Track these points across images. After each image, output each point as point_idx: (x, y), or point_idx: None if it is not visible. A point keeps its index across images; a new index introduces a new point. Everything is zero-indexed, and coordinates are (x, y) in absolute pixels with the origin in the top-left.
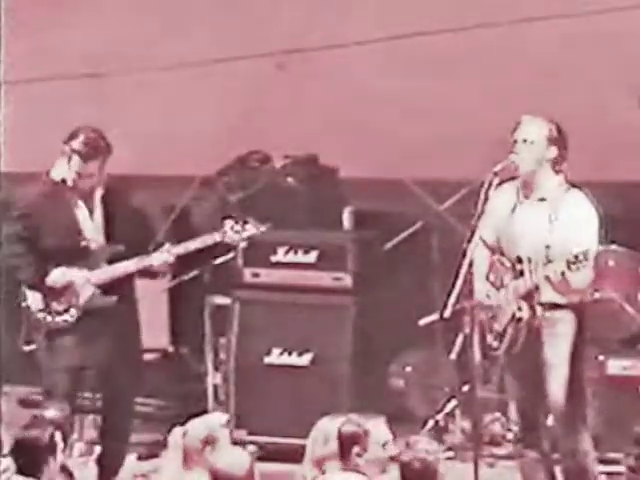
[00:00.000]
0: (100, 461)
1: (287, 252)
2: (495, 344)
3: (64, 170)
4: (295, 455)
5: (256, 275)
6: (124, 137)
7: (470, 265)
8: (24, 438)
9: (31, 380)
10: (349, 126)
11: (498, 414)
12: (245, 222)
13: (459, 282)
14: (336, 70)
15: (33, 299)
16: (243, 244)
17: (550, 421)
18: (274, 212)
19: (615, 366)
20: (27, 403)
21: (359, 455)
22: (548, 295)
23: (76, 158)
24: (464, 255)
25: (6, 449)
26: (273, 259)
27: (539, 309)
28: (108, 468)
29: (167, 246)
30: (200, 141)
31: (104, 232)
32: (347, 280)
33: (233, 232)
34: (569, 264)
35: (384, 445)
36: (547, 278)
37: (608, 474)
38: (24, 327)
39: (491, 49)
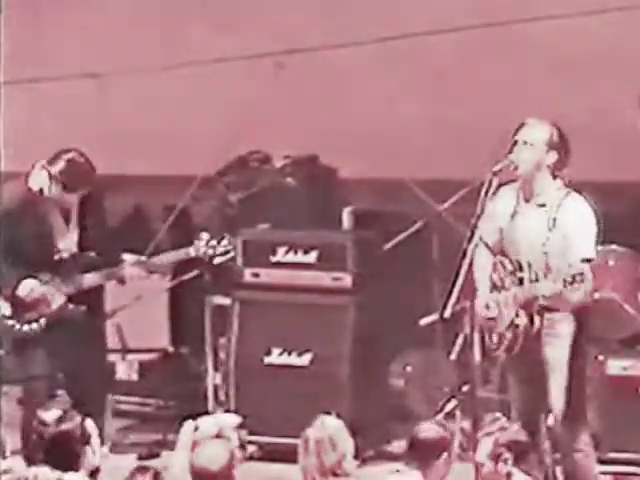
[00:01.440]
0: None
1: (287, 252)
2: (494, 346)
3: (43, 182)
4: (295, 455)
5: (256, 275)
6: (124, 137)
7: (470, 265)
8: (55, 434)
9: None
10: (349, 126)
11: (498, 414)
12: (222, 238)
13: (459, 282)
14: (336, 70)
15: (3, 305)
16: (217, 260)
17: (550, 421)
18: (274, 212)
19: (615, 366)
20: (28, 403)
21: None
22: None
23: (55, 186)
24: (464, 255)
25: (8, 450)
26: (273, 259)
27: (537, 319)
28: None
29: (141, 258)
30: (200, 141)
31: (77, 240)
32: (347, 280)
33: (207, 247)
34: (565, 284)
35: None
36: (544, 296)
37: (609, 474)
38: None
39: (492, 49)
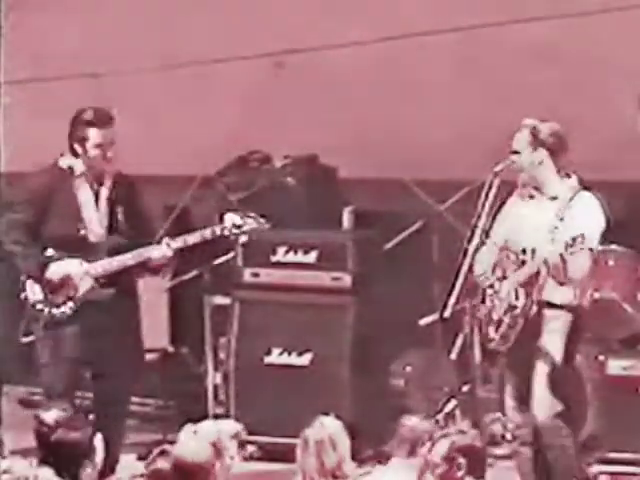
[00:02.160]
0: None
1: (287, 252)
2: (492, 334)
3: (72, 159)
4: (295, 455)
5: (256, 275)
6: (124, 137)
7: (470, 265)
8: (60, 439)
9: (31, 380)
10: (349, 126)
11: (498, 414)
12: (247, 216)
13: (459, 282)
14: (336, 70)
15: (32, 290)
16: (244, 238)
17: (537, 413)
18: (274, 212)
19: (615, 366)
20: (27, 403)
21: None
22: (546, 293)
23: (92, 130)
24: (464, 255)
25: (6, 450)
26: (273, 259)
27: (535, 296)
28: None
29: (166, 239)
30: (200, 141)
31: (108, 223)
32: (347, 280)
33: (233, 226)
34: (566, 246)
35: None
36: (545, 262)
37: (608, 474)
38: (23, 318)
39: (492, 49)
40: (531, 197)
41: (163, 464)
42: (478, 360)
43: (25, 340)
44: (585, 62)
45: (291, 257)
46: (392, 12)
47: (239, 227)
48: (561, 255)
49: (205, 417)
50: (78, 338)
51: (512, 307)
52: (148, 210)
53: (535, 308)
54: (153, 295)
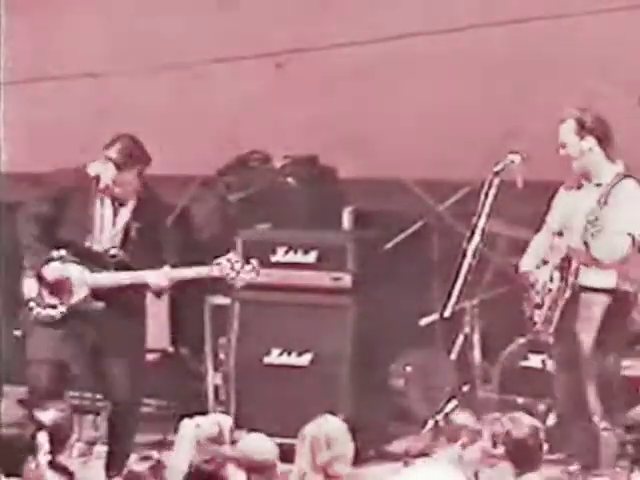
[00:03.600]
0: (107, 462)
1: (287, 252)
2: (535, 318)
3: (100, 168)
4: (295, 455)
5: None
6: None
7: (470, 265)
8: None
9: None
10: (349, 126)
11: (498, 414)
12: (248, 262)
13: (459, 282)
14: (336, 70)
15: (29, 286)
16: (240, 284)
17: None
18: (274, 212)
19: None
20: (27, 403)
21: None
22: (584, 277)
23: (111, 166)
24: (464, 255)
25: None
26: (273, 259)
27: (571, 278)
28: (113, 468)
29: (166, 267)
30: (200, 141)
31: (121, 240)
32: (347, 280)
33: (232, 270)
34: (586, 228)
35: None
36: (569, 245)
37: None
38: (17, 313)
39: (491, 49)
40: (579, 187)
41: (140, 467)
42: (478, 360)
43: (16, 333)
44: (585, 62)
45: (291, 257)
46: (392, 12)
47: (238, 272)
48: (584, 239)
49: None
50: (59, 342)
51: (549, 290)
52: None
53: (569, 291)
54: (153, 295)
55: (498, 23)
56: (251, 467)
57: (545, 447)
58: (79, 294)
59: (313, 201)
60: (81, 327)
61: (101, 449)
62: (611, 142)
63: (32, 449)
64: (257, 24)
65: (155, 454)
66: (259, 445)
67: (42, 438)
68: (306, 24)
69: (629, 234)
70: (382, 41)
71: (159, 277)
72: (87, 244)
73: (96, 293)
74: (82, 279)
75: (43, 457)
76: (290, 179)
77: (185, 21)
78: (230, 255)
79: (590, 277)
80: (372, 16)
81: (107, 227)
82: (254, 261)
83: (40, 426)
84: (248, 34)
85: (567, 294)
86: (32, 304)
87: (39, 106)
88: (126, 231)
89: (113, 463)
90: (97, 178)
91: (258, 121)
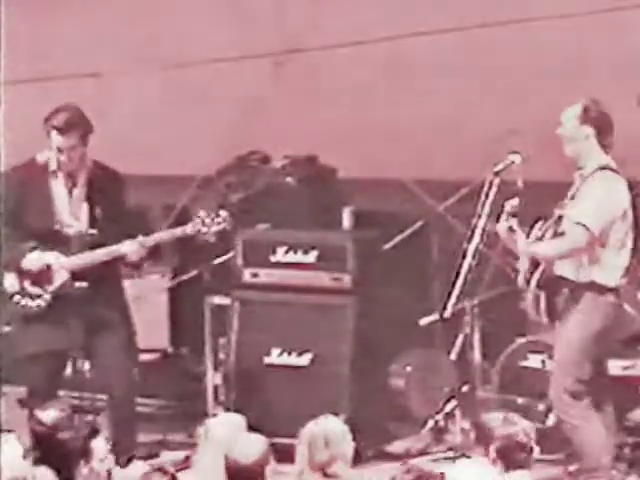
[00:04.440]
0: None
1: (287, 252)
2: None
3: (48, 154)
4: (295, 455)
5: (256, 275)
6: (124, 137)
7: (470, 265)
8: (55, 439)
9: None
10: (349, 126)
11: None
12: (217, 215)
13: (459, 282)
14: (336, 70)
15: (10, 282)
16: (212, 239)
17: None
18: (274, 212)
19: (615, 366)
20: (27, 403)
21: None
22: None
23: (54, 134)
24: (464, 255)
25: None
26: (273, 259)
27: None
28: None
29: (140, 237)
30: (200, 141)
31: (87, 218)
32: (347, 280)
33: (203, 225)
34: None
35: None
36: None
37: None
38: (2, 310)
39: (492, 49)
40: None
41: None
42: (478, 360)
43: (5, 330)
44: (585, 62)
45: (291, 257)
46: (391, 12)
47: (209, 226)
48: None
49: (205, 417)
50: (50, 332)
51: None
52: (147, 210)
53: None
54: (153, 295)
55: (498, 23)
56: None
57: (537, 448)
58: (59, 279)
59: (313, 201)
60: (68, 312)
61: None
62: (609, 137)
63: (86, 454)
64: (257, 24)
65: (171, 469)
66: (244, 449)
67: (98, 444)
68: (306, 24)
69: (578, 223)
70: (382, 41)
71: (133, 245)
72: (56, 227)
73: (76, 275)
74: (59, 264)
75: (99, 464)
76: (290, 179)
77: (185, 21)
78: (201, 212)
79: (561, 267)
80: (372, 16)
81: (65, 208)
82: (223, 212)
83: (95, 431)
84: (248, 34)
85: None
86: (17, 297)
87: (39, 106)
88: (90, 207)
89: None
90: (46, 163)
91: (258, 121)
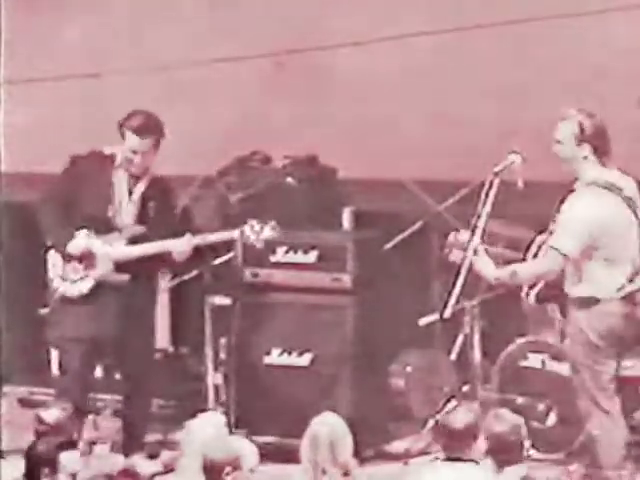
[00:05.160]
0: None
1: (287, 252)
2: None
3: (118, 148)
4: (295, 455)
5: (256, 275)
6: None
7: (470, 265)
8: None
9: (31, 379)
10: (349, 126)
11: None
12: (264, 226)
13: (459, 282)
14: (336, 70)
15: (54, 264)
16: (260, 245)
17: None
18: (274, 212)
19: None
20: (27, 403)
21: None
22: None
23: (131, 135)
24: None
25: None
26: (273, 259)
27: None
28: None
29: (187, 236)
30: (200, 141)
31: (138, 216)
32: (347, 280)
33: (252, 232)
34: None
35: None
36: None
37: None
38: (42, 291)
39: (491, 49)
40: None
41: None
42: (478, 360)
43: (42, 312)
44: (584, 62)
45: (291, 257)
46: (392, 12)
47: (257, 233)
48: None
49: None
50: (89, 319)
51: None
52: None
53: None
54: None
55: (499, 23)
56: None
57: (527, 444)
58: (103, 267)
59: (313, 201)
60: (105, 302)
61: (101, 449)
62: (607, 150)
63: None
64: (257, 24)
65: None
66: (219, 445)
67: (68, 457)
68: (306, 24)
69: (552, 247)
70: (382, 41)
71: (183, 244)
72: (109, 214)
73: (119, 267)
74: (105, 253)
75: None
76: (290, 179)
77: (185, 21)
78: (250, 221)
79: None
80: (372, 16)
81: (124, 201)
82: (273, 222)
83: (70, 444)
84: (248, 34)
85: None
86: (57, 282)
87: (39, 106)
88: (143, 206)
89: (129, 441)
90: (112, 157)
91: (258, 121)
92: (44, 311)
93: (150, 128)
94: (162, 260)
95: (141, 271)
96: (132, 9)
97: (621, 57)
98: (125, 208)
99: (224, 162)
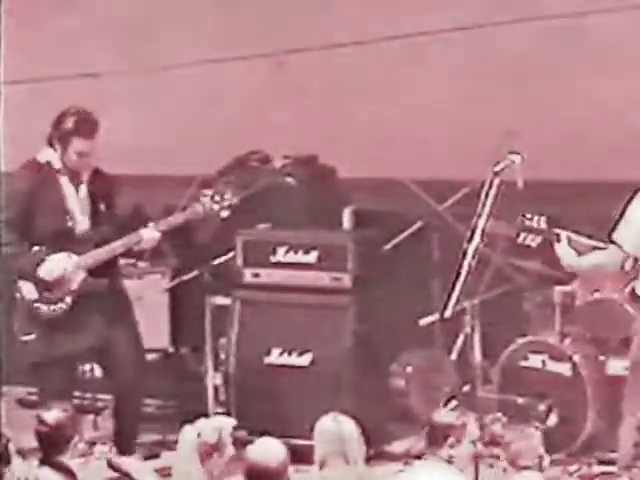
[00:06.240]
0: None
1: (287, 252)
2: None
3: (51, 154)
4: (295, 455)
5: (256, 275)
6: (124, 137)
7: (470, 265)
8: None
9: (31, 380)
10: (349, 126)
11: (498, 414)
12: (223, 193)
13: (459, 282)
14: (336, 70)
15: (27, 289)
16: (225, 213)
17: None
18: (274, 212)
19: (615, 366)
20: (27, 403)
21: (451, 446)
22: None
23: (76, 138)
24: (464, 255)
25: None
26: (273, 259)
27: None
28: (123, 445)
29: (152, 224)
30: (200, 141)
31: (90, 216)
32: (347, 280)
33: (212, 202)
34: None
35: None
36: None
37: (608, 474)
38: (21, 318)
39: (491, 49)
40: None
41: None
42: (478, 360)
43: (25, 339)
44: (584, 62)
45: (291, 257)
46: (392, 12)
47: (218, 202)
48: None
49: (205, 417)
50: (76, 332)
51: None
52: (147, 211)
53: None
54: (153, 295)
55: (499, 23)
56: (257, 474)
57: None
58: (76, 279)
59: (313, 201)
60: (90, 309)
61: (101, 449)
62: None
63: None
64: (257, 24)
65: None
66: (265, 451)
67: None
68: (306, 24)
69: (613, 242)
70: (382, 41)
71: (151, 231)
72: (69, 225)
73: (93, 272)
74: (73, 264)
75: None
76: (290, 179)
77: (185, 21)
78: (206, 191)
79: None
80: (372, 16)
81: (75, 206)
82: (229, 189)
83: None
84: (248, 34)
85: None
86: (36, 305)
87: (39, 106)
88: (92, 206)
89: (122, 443)
90: (49, 163)
91: (258, 121)
92: (27, 338)
93: (93, 126)
94: (126, 253)
95: (113, 272)
96: (132, 9)
97: (621, 57)
98: (77, 212)
99: (224, 162)
